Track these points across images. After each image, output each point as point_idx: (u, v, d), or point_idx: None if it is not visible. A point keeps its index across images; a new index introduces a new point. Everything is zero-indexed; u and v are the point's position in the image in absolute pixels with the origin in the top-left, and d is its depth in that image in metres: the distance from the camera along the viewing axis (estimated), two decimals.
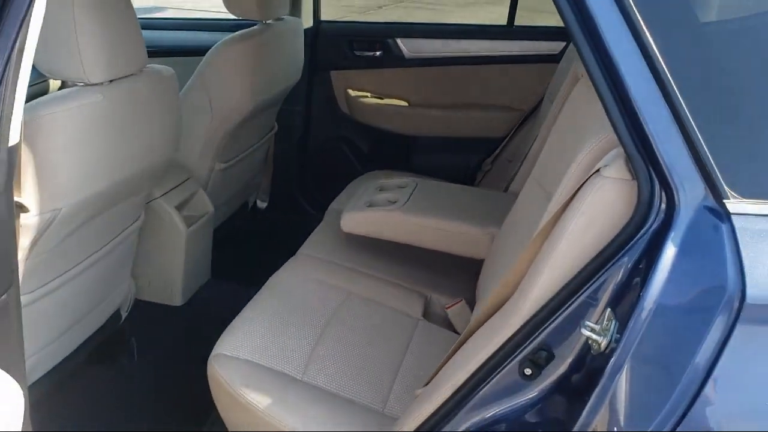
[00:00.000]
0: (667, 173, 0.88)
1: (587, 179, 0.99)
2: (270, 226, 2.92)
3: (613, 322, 0.90)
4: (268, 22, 2.36)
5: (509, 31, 2.78)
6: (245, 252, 2.70)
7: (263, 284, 1.74)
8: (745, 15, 1.02)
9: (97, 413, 1.83)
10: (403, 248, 1.89)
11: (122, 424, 1.82)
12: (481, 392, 1.04)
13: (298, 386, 1.41)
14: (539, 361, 0.99)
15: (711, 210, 0.87)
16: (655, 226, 0.89)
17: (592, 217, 0.96)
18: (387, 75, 2.83)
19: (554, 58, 2.48)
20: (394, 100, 2.88)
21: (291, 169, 2.96)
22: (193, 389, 1.61)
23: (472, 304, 1.70)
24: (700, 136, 0.87)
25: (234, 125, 2.26)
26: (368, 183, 2.19)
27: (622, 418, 0.87)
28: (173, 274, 2.17)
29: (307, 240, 2.02)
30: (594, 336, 0.91)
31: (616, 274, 0.92)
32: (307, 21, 2.76)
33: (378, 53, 2.81)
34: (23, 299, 1.33)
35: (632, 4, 0.89)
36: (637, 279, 0.89)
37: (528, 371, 1.00)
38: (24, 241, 1.40)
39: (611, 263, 0.93)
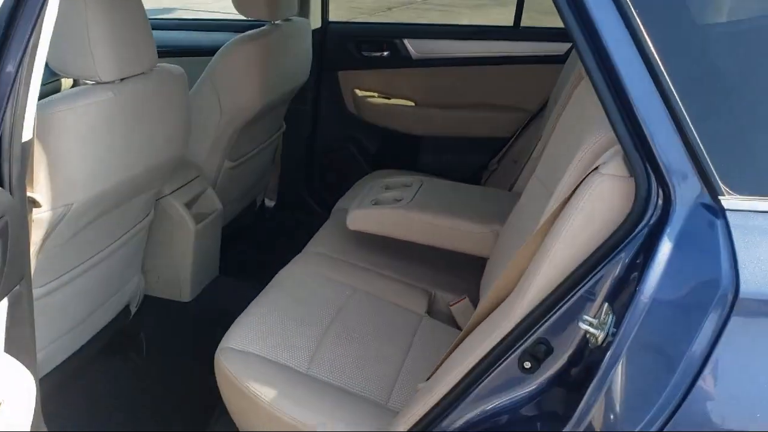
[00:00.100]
0: (663, 170, 0.90)
1: (586, 176, 1.01)
2: (277, 225, 2.95)
3: (611, 316, 0.91)
4: (276, 22, 2.39)
5: (515, 32, 2.79)
6: (253, 249, 2.73)
7: (270, 281, 1.77)
8: (741, 18, 1.04)
9: (107, 407, 1.86)
10: (408, 246, 1.91)
11: (131, 416, 1.85)
12: (481, 385, 1.07)
13: (303, 379, 1.43)
14: (538, 355, 1.01)
15: (706, 206, 0.88)
16: (652, 222, 0.91)
17: (591, 213, 0.98)
18: (394, 75, 2.85)
19: (560, 59, 2.49)
20: (401, 100, 2.90)
21: (299, 169, 2.98)
22: (201, 383, 1.63)
23: (475, 301, 1.71)
24: (696, 135, 0.89)
25: (242, 124, 2.29)
26: (374, 182, 2.21)
27: (618, 408, 0.89)
28: (182, 271, 2.20)
29: (313, 237, 2.04)
30: (592, 330, 0.93)
31: (614, 270, 0.94)
32: (315, 22, 2.79)
33: (385, 54, 2.83)
34: (35, 293, 1.35)
35: (631, 6, 0.91)
36: (634, 274, 0.91)
37: (527, 364, 1.02)
38: (36, 236, 1.43)
39: (609, 259, 0.95)
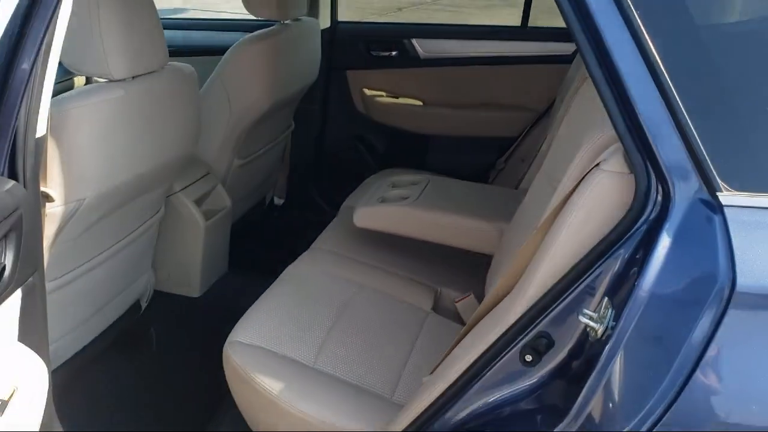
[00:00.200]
0: (663, 167, 0.91)
1: (587, 173, 1.03)
2: (286, 222, 2.97)
3: (610, 310, 0.93)
4: (286, 22, 2.41)
5: (523, 32, 2.80)
6: (261, 246, 2.75)
7: (278, 277, 1.79)
8: (740, 19, 1.06)
9: (116, 400, 1.88)
10: (414, 243, 1.93)
11: (141, 409, 1.87)
12: (483, 378, 1.08)
13: (309, 373, 1.46)
14: (539, 348, 1.03)
15: (705, 202, 0.90)
16: (651, 217, 0.92)
17: (591, 209, 1.00)
18: (402, 75, 2.87)
19: (567, 59, 2.49)
20: (409, 99, 2.92)
21: (307, 167, 3.00)
22: (209, 377, 1.66)
23: (481, 298, 1.72)
24: (695, 132, 0.90)
25: (252, 122, 2.31)
26: (381, 180, 2.23)
27: (617, 400, 0.91)
28: (192, 267, 2.23)
29: (321, 234, 2.06)
30: (592, 323, 0.94)
31: (614, 265, 0.96)
32: (325, 22, 2.81)
33: (394, 53, 2.85)
34: (47, 286, 1.38)
35: (632, 7, 0.92)
36: (634, 269, 0.92)
37: (529, 358, 1.04)
38: (49, 230, 1.46)
39: (609, 254, 0.96)
